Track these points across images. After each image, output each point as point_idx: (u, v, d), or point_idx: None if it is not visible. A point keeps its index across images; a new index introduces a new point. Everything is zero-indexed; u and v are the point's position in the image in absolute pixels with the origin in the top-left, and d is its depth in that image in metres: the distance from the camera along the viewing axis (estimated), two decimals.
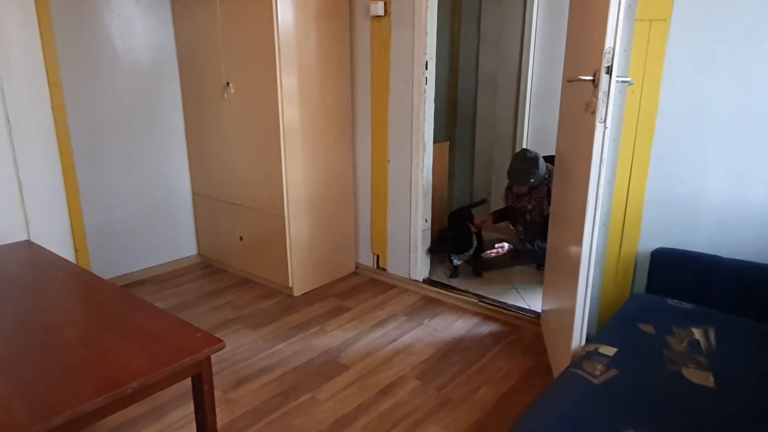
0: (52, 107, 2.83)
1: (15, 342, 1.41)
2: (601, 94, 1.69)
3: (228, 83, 3.08)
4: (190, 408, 2.07)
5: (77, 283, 1.83)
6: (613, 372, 1.59)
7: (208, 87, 3.22)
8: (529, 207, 3.15)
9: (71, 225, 3.02)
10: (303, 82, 2.93)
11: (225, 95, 3.13)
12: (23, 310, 1.60)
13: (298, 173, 3.00)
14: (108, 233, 3.23)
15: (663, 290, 2.13)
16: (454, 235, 3.30)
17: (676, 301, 2.03)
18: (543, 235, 2.96)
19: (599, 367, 1.62)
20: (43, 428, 1.08)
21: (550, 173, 3.00)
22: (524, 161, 3.02)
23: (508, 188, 3.30)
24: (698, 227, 2.12)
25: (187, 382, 2.00)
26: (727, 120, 1.98)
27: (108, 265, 3.24)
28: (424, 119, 2.98)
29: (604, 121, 1.69)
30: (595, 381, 1.55)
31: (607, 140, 1.72)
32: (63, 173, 2.94)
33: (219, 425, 1.98)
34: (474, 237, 3.24)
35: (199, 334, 1.43)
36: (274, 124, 2.88)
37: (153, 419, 2.02)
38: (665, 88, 2.07)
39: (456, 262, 3.26)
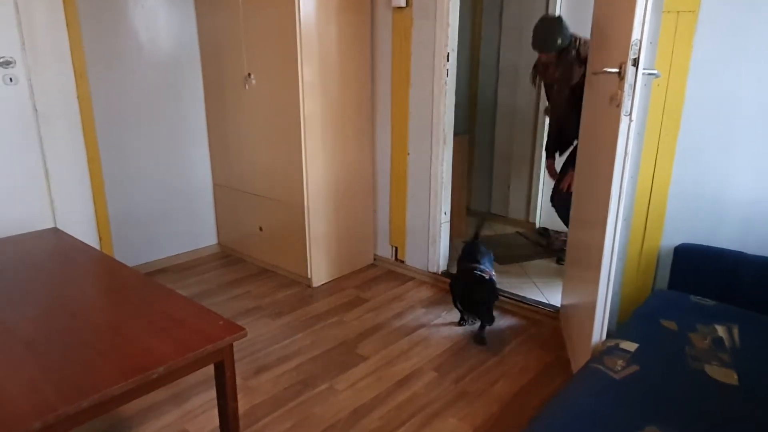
0: (78, 97, 2.88)
1: (43, 326, 1.44)
2: (626, 87, 1.67)
3: (249, 74, 3.10)
4: (211, 394, 2.10)
5: (102, 269, 1.87)
6: (634, 368, 1.57)
7: (230, 78, 3.24)
8: (557, 75, 2.96)
9: (96, 213, 3.07)
10: (324, 73, 2.93)
11: (246, 86, 3.15)
12: (50, 296, 1.64)
13: (318, 164, 3.02)
14: (131, 222, 3.28)
15: (686, 287, 2.10)
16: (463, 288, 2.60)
17: (699, 297, 2.00)
18: (571, 123, 2.82)
19: (620, 362, 1.60)
20: (73, 410, 1.10)
21: (576, 38, 2.85)
22: (547, 23, 2.84)
23: (535, 66, 3.15)
24: (723, 223, 2.08)
25: (208, 370, 2.04)
26: (755, 114, 1.94)
27: (130, 254, 3.30)
28: (445, 112, 2.96)
29: (630, 114, 1.67)
30: (616, 376, 1.54)
31: (632, 134, 1.70)
32: (88, 163, 2.99)
33: (239, 412, 2.01)
34: (484, 290, 2.51)
35: (221, 322, 1.45)
36: (294, 115, 2.89)
37: (175, 405, 2.06)
38: (692, 81, 2.03)
39: (465, 322, 2.71)
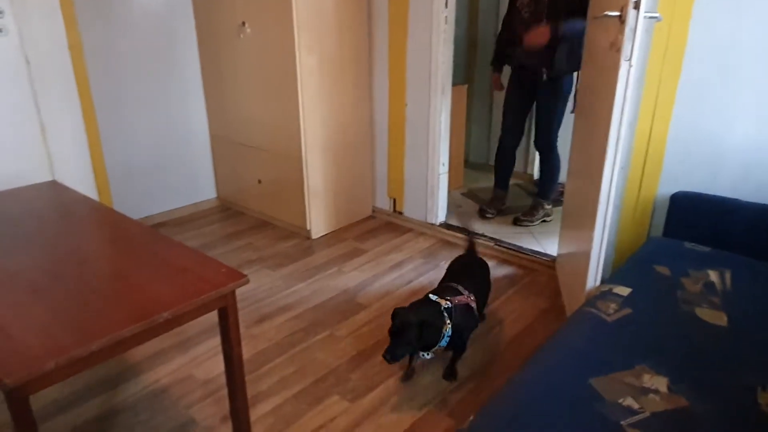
0: (69, 47, 2.82)
1: (50, 274, 1.47)
2: (627, 31, 1.64)
3: (244, 23, 3.03)
4: (215, 342, 2.16)
5: (104, 220, 1.88)
6: (626, 311, 1.62)
7: (224, 26, 3.17)
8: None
9: (93, 167, 3.07)
10: (320, 22, 2.87)
11: (241, 35, 3.08)
12: (55, 246, 1.66)
13: (315, 116, 2.99)
14: (128, 176, 3.28)
15: (681, 234, 2.13)
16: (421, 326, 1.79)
17: (693, 244, 2.03)
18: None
19: (613, 306, 1.65)
20: (84, 352, 1.14)
21: None
22: None
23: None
24: (721, 171, 2.10)
25: (212, 318, 2.09)
26: (758, 60, 1.92)
27: (129, 208, 3.31)
28: (443, 61, 2.92)
29: (630, 59, 1.65)
30: (609, 319, 1.58)
31: (631, 80, 1.69)
32: (83, 115, 2.96)
33: (244, 357, 2.07)
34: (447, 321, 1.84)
35: (224, 270, 1.48)
36: (290, 65, 2.84)
37: (180, 351, 2.12)
38: (694, 25, 2.00)
39: (426, 356, 1.88)
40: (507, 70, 3.28)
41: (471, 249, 2.35)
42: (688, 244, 2.03)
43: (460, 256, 2.30)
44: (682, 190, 2.17)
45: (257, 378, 1.97)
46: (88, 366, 1.19)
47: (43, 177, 2.82)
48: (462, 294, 1.95)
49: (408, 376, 1.97)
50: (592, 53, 2.25)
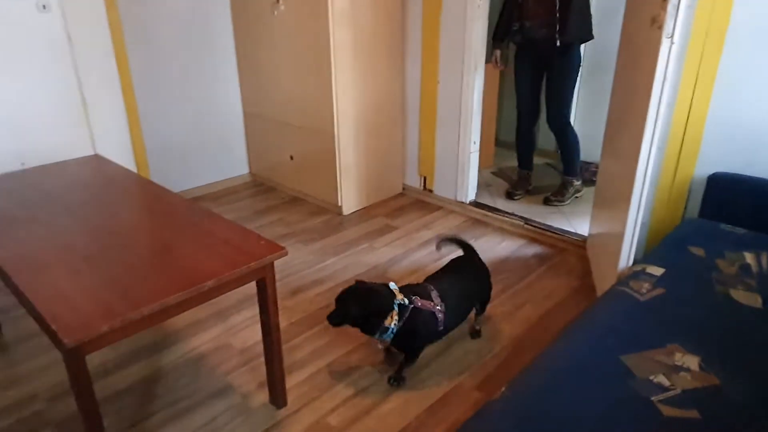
0: (109, 24, 2.88)
1: (99, 243, 1.55)
2: (670, 7, 1.61)
3: (278, 0, 3.05)
4: (252, 312, 2.23)
5: (147, 193, 1.95)
6: (659, 290, 1.62)
7: (258, 3, 3.19)
8: None
9: (132, 142, 3.15)
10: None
11: (275, 12, 3.10)
12: (102, 217, 1.74)
13: (347, 93, 3.01)
14: (163, 151, 3.36)
15: (717, 216, 2.11)
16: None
17: (730, 226, 2.01)
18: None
19: (646, 285, 1.65)
20: (136, 315, 1.21)
21: None
22: None
23: None
24: (760, 153, 2.05)
25: (248, 289, 2.16)
26: None
27: (165, 182, 3.35)
28: (478, 37, 2.89)
29: (672, 36, 1.62)
30: (641, 298, 1.59)
31: (672, 57, 1.66)
32: (123, 91, 3.03)
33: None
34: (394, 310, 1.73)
35: (263, 242, 1.53)
36: (324, 41, 2.86)
37: (218, 320, 2.20)
38: (739, 2, 1.94)
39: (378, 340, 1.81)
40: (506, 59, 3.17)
41: (469, 252, 2.10)
42: (724, 226, 2.01)
43: (458, 258, 2.09)
44: (719, 171, 2.13)
45: (291, 348, 2.03)
46: (138, 330, 1.26)
47: (86, 151, 2.91)
48: (431, 300, 1.80)
49: (388, 362, 1.93)
50: (630, 28, 2.20)
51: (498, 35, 3.11)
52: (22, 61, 2.63)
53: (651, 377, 1.26)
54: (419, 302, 1.77)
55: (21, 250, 1.50)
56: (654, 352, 1.35)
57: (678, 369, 1.29)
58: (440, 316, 1.80)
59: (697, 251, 1.84)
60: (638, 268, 1.77)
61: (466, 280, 1.98)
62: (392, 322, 1.71)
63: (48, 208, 1.79)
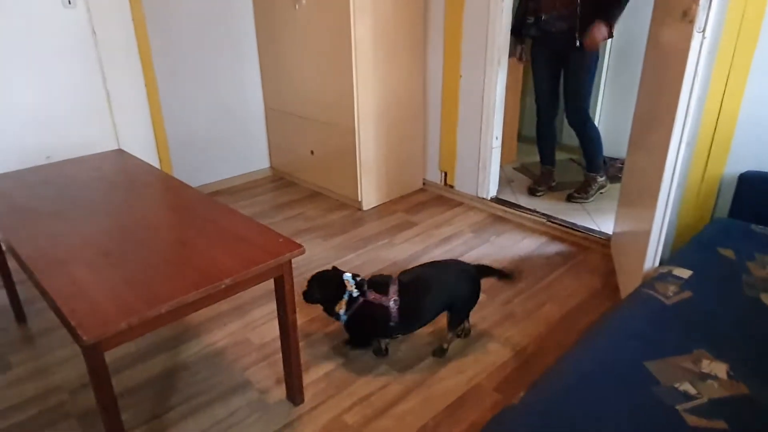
0: (133, 20, 2.91)
1: (119, 239, 1.56)
2: (702, 0, 1.55)
3: None
4: (270, 307, 2.24)
5: (168, 188, 1.96)
6: (686, 294, 1.57)
7: None
8: None
9: (155, 136, 3.18)
10: None
11: (296, 6, 3.09)
12: (122, 212, 1.75)
13: (368, 87, 2.99)
14: (186, 145, 3.39)
15: (748, 216, 2.04)
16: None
17: (761, 227, 1.94)
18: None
19: (672, 288, 1.60)
20: (154, 313, 1.21)
21: None
22: None
23: None
24: None
25: (267, 285, 2.16)
26: None
27: (186, 176, 3.42)
28: (501, 31, 2.84)
29: (703, 30, 1.56)
30: (667, 302, 1.54)
31: (704, 52, 1.60)
32: (146, 85, 3.06)
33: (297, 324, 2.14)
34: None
35: (281, 239, 1.53)
36: (345, 36, 2.84)
37: (237, 315, 2.21)
38: None
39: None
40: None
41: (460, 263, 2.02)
42: (755, 227, 1.94)
43: (443, 261, 2.08)
44: (751, 170, 2.06)
45: (309, 344, 2.03)
46: (156, 327, 1.26)
47: (109, 145, 2.95)
48: (387, 293, 1.81)
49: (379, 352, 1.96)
50: (659, 21, 2.13)
51: (514, 28, 3.02)
52: (47, 55, 2.67)
53: (676, 385, 1.22)
54: (372, 295, 1.81)
55: (43, 244, 1.52)
56: (680, 358, 1.31)
57: (705, 377, 1.25)
58: (393, 310, 1.80)
59: (727, 253, 1.78)
60: (664, 269, 1.72)
61: (437, 281, 1.89)
62: (341, 309, 1.82)
63: (70, 202, 1.81)
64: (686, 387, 1.22)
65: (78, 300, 1.24)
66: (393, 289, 1.82)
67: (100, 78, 2.86)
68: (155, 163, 3.21)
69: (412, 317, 1.85)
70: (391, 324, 1.83)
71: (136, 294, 1.27)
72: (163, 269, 1.39)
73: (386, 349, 1.96)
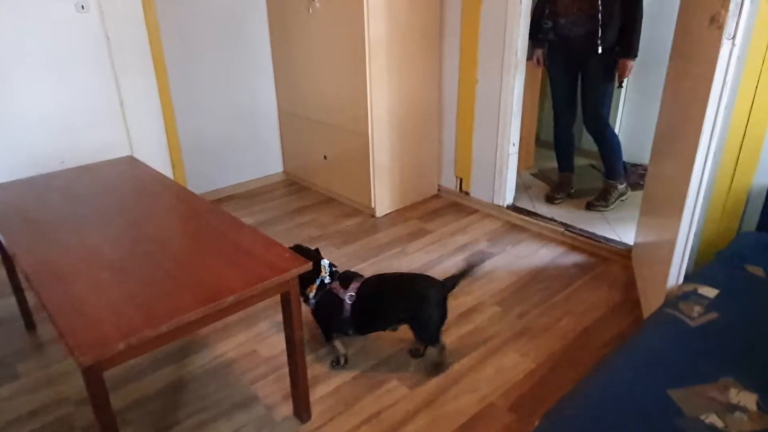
0: (146, 24, 2.89)
1: (124, 251, 1.53)
2: (732, 5, 1.46)
3: None
4: (279, 318, 2.18)
5: (176, 198, 1.93)
6: (712, 315, 1.49)
7: (294, 1, 3.14)
8: None
9: (168, 141, 3.17)
10: None
11: (310, 10, 3.05)
12: (130, 223, 1.73)
13: (382, 91, 2.93)
14: (200, 149, 3.37)
15: None
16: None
17: None
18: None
19: (697, 308, 1.52)
20: (153, 333, 1.17)
21: None
22: None
23: None
24: None
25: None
26: None
27: (200, 180, 3.41)
28: (519, 35, 2.76)
29: (733, 37, 1.48)
30: (692, 323, 1.47)
31: (733, 60, 1.51)
32: (159, 90, 3.04)
33: (307, 336, 2.10)
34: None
35: (287, 254, 1.48)
36: (359, 40, 2.79)
37: (246, 326, 2.17)
38: None
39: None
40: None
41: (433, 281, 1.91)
42: None
43: (411, 273, 2.05)
44: None
45: (319, 357, 1.99)
46: (156, 346, 1.23)
47: (123, 149, 2.95)
48: (347, 288, 1.85)
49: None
50: (685, 26, 2.04)
51: (531, 33, 2.91)
52: (61, 61, 2.67)
53: (702, 416, 1.15)
54: (334, 285, 1.87)
55: (47, 256, 1.49)
56: (705, 387, 1.24)
57: (733, 408, 1.17)
58: (347, 304, 1.83)
59: (755, 270, 1.69)
60: (689, 287, 1.63)
61: (395, 291, 1.88)
62: (312, 292, 1.85)
63: (77, 212, 1.79)
64: (712, 419, 1.14)
65: (77, 318, 1.21)
66: (354, 285, 1.86)
67: (113, 83, 2.85)
68: (168, 168, 3.19)
69: (363, 317, 1.86)
70: (344, 317, 1.84)
71: (136, 312, 1.23)
72: (166, 285, 1.35)
73: (345, 360, 1.94)
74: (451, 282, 1.87)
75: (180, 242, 1.61)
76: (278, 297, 1.49)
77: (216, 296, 1.28)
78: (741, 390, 1.22)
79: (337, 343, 1.95)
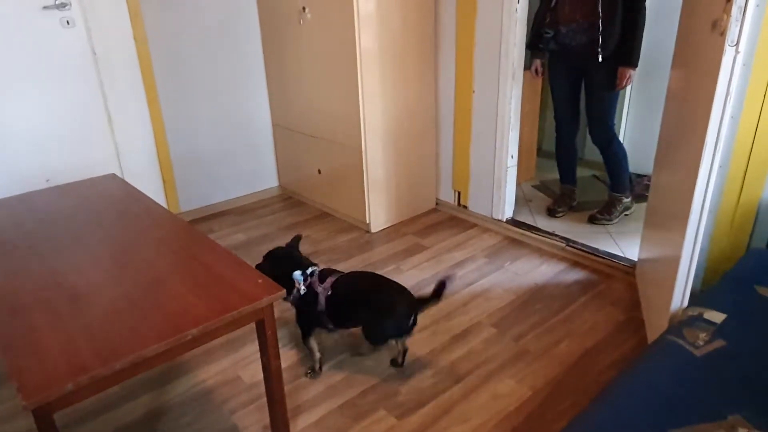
0: (134, 38, 2.84)
1: (88, 278, 1.44)
2: (734, 10, 1.37)
3: (304, 8, 2.93)
4: None
5: (153, 219, 1.85)
6: (719, 343, 1.38)
7: (285, 12, 3.08)
8: None
9: (158, 156, 3.10)
10: (381, 4, 2.71)
11: (301, 21, 2.98)
12: (98, 247, 1.65)
13: (376, 104, 2.85)
14: (192, 164, 3.30)
15: None
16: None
17: None
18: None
19: (702, 335, 1.41)
20: (106, 371, 1.08)
21: None
22: None
23: None
24: None
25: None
26: None
27: (192, 196, 3.34)
28: (515, 43, 2.67)
29: (737, 44, 1.38)
30: (697, 352, 1.35)
31: (737, 68, 1.41)
32: (148, 105, 2.98)
33: (293, 360, 2.01)
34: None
35: (261, 280, 1.39)
36: (350, 51, 2.71)
37: (230, 349, 2.08)
38: None
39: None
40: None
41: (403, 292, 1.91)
42: None
43: (385, 278, 1.96)
44: None
45: (303, 385, 1.89)
46: (111, 385, 1.14)
47: (111, 166, 2.88)
48: (323, 283, 1.90)
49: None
50: (687, 31, 1.95)
51: (531, 42, 2.81)
52: (47, 76, 2.61)
53: None
54: (313, 280, 1.91)
55: (8, 286, 1.41)
56: (711, 426, 1.13)
57: None
58: (322, 297, 1.87)
59: (766, 293, 1.58)
60: (694, 312, 1.52)
61: (362, 289, 1.93)
62: (296, 290, 1.90)
63: (48, 235, 1.71)
64: None
65: (27, 354, 1.12)
66: (330, 280, 1.90)
67: (100, 98, 2.80)
68: (159, 184, 3.13)
69: (336, 311, 1.88)
70: (320, 310, 1.88)
71: (92, 347, 1.15)
72: (129, 315, 1.26)
73: (320, 367, 1.95)
74: (421, 303, 1.88)
75: (149, 265, 1.52)
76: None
77: (179, 328, 1.19)
78: (751, 429, 1.11)
79: (313, 344, 1.95)
